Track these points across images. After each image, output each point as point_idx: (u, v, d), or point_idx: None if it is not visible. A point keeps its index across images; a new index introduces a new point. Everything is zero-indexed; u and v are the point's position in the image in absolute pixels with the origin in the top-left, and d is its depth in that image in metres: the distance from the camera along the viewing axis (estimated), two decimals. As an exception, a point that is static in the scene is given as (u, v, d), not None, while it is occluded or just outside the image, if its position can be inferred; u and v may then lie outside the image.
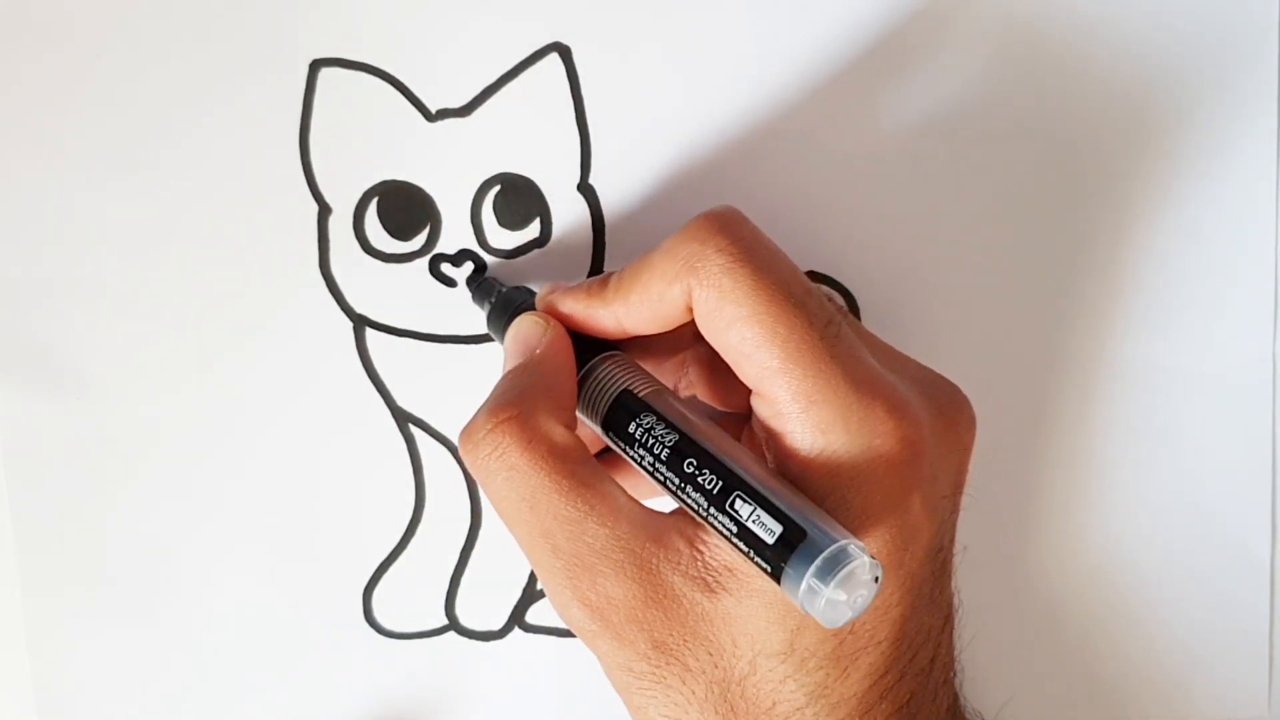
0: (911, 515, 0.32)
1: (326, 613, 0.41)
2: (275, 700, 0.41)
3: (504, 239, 0.39)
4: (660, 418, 0.33)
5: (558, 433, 0.33)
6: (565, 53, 0.39)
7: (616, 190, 0.39)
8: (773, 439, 0.32)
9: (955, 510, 0.34)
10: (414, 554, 0.40)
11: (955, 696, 0.35)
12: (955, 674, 0.35)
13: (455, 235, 0.39)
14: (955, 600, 0.35)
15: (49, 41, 0.38)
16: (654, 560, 0.32)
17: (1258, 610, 0.41)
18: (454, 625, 0.41)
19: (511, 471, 0.32)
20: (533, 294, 0.37)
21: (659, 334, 0.34)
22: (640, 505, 0.33)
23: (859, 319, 0.40)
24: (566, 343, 0.35)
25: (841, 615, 0.29)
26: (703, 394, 0.37)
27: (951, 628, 0.35)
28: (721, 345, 0.32)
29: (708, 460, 0.31)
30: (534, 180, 0.39)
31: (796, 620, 0.31)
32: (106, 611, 0.40)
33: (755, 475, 0.31)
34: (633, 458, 0.33)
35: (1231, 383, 0.41)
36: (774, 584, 0.30)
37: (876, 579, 0.29)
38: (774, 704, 0.32)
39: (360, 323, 0.40)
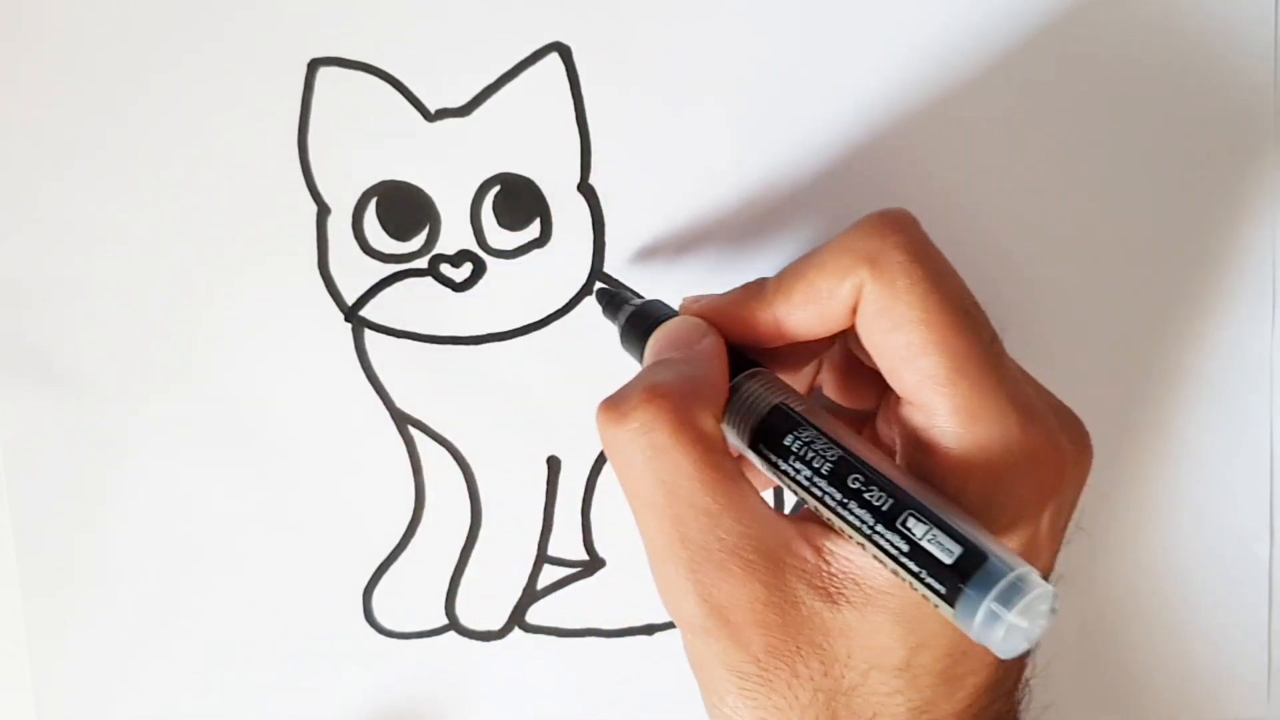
0: (1040, 536, 0.31)
1: (326, 613, 0.41)
2: (275, 700, 0.41)
3: (504, 239, 0.39)
4: (820, 433, 0.32)
5: (709, 423, 0.31)
6: (565, 53, 0.39)
7: (616, 190, 0.39)
8: (918, 440, 0.31)
9: (1061, 542, 0.34)
10: (414, 554, 0.40)
11: (1015, 711, 0.35)
12: (1025, 692, 0.35)
13: (455, 235, 0.39)
14: None
15: (49, 41, 0.38)
16: (782, 564, 0.31)
17: (1257, 610, 0.42)
18: (454, 625, 0.41)
19: (655, 451, 0.31)
20: (667, 307, 0.36)
21: (795, 345, 0.34)
22: (770, 509, 0.32)
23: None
24: (724, 348, 0.33)
25: (1018, 644, 0.28)
26: (830, 393, 0.36)
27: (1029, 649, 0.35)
28: (884, 346, 0.31)
29: (876, 477, 0.30)
30: (534, 180, 0.39)
31: (918, 638, 0.31)
32: (106, 611, 0.40)
33: (924, 496, 0.30)
34: (784, 471, 0.32)
35: (1229, 382, 0.41)
36: (906, 602, 0.30)
37: (1053, 610, 0.29)
38: (874, 715, 0.31)
39: (359, 324, 0.39)
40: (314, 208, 0.39)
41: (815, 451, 0.31)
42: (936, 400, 0.31)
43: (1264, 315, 0.41)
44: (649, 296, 0.38)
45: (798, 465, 0.31)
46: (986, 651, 0.31)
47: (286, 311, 0.39)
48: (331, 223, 0.39)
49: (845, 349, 0.34)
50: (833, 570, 0.31)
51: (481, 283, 0.39)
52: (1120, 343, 0.41)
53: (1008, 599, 0.28)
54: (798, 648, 0.31)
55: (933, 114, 0.39)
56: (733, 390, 0.33)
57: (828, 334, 0.33)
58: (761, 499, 0.32)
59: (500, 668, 0.41)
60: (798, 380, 0.36)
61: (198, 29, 0.38)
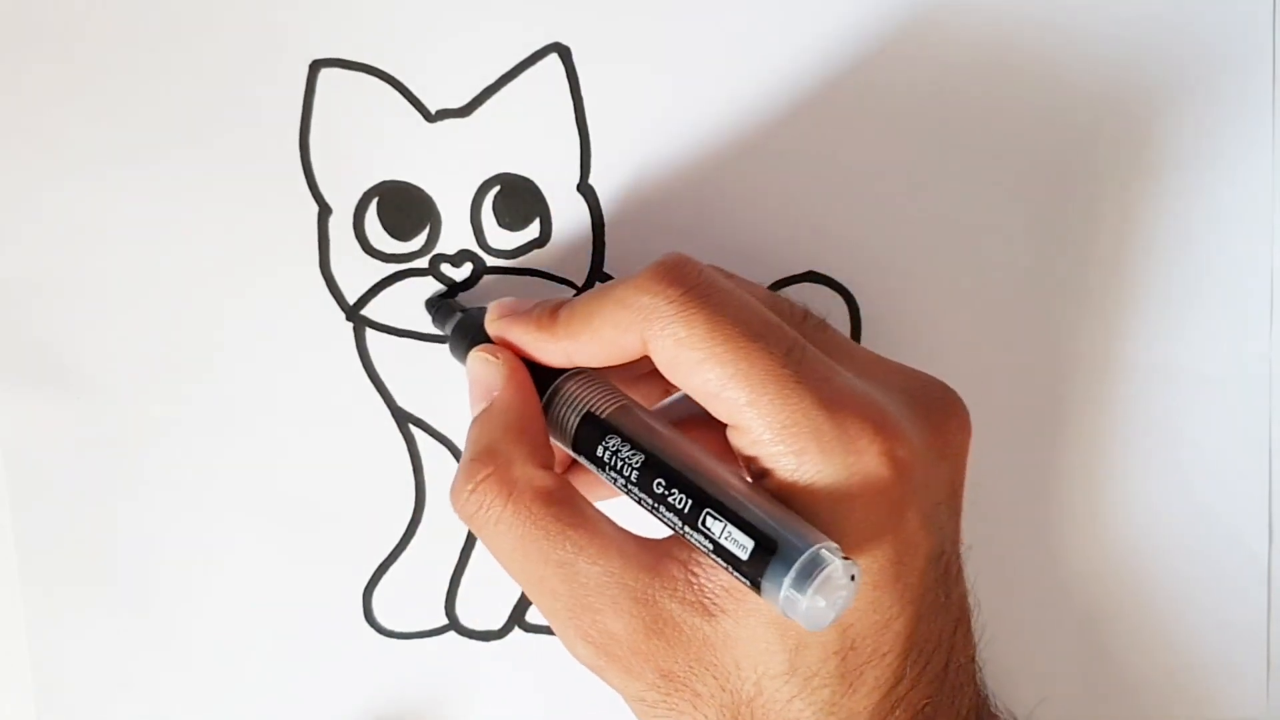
0: (906, 529, 0.31)
1: (326, 613, 0.41)
2: (275, 700, 0.41)
3: (504, 239, 0.39)
4: (625, 438, 0.33)
5: (537, 478, 0.33)
6: (565, 53, 0.39)
7: (616, 190, 0.39)
8: (754, 467, 0.32)
9: (956, 514, 0.34)
10: (414, 554, 0.40)
11: (979, 695, 0.35)
12: (977, 673, 0.35)
13: (455, 236, 0.39)
14: (971, 600, 0.35)
15: (49, 42, 0.38)
16: (649, 590, 0.32)
17: (1256, 609, 0.42)
18: (454, 625, 0.41)
19: (498, 525, 0.33)
20: (476, 323, 0.36)
21: None
22: (631, 535, 0.33)
23: (859, 319, 0.40)
24: (524, 377, 0.35)
25: (824, 619, 0.29)
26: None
27: (967, 629, 0.34)
28: (688, 389, 0.32)
29: (676, 479, 0.31)
30: (534, 180, 0.39)
31: (795, 639, 0.31)
32: (107, 611, 0.40)
33: (727, 489, 0.31)
34: (607, 479, 0.33)
35: (1228, 382, 0.41)
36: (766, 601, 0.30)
37: (853, 577, 0.29)
38: None
39: (360, 323, 0.40)
40: (315, 208, 0.39)
41: (623, 459, 0.32)
42: (748, 421, 0.31)
43: (1263, 315, 0.41)
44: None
45: (612, 474, 0.33)
46: (877, 643, 0.32)
47: (288, 311, 0.39)
48: (333, 223, 0.39)
49: None
50: (702, 583, 0.32)
51: (482, 283, 0.39)
52: (1120, 342, 0.41)
53: (802, 581, 0.29)
54: (689, 667, 0.32)
55: (933, 113, 0.39)
56: (549, 399, 0.34)
57: (622, 364, 0.34)
58: (616, 528, 0.33)
59: (500, 668, 0.41)
60: (649, 376, 0.36)
61: (199, 30, 0.38)
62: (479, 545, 0.41)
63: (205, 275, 0.39)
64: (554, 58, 0.39)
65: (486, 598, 0.41)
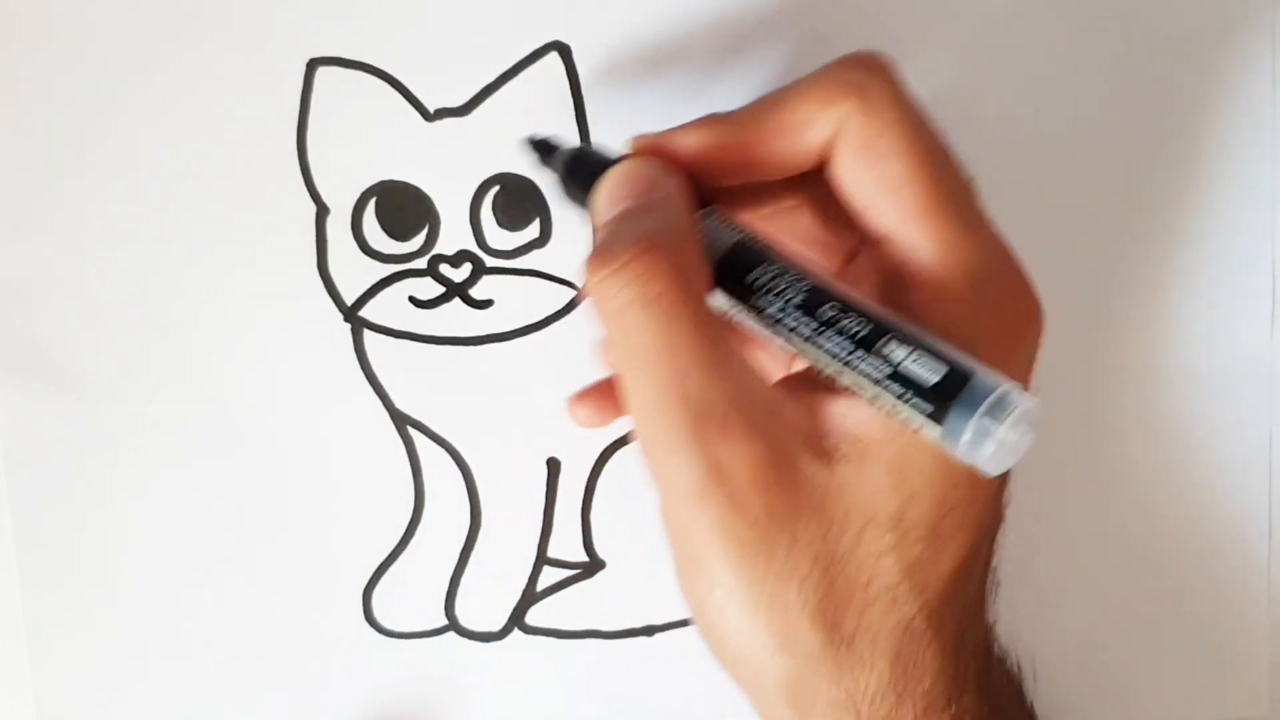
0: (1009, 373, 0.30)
1: (326, 613, 0.41)
2: (275, 700, 0.41)
3: (503, 239, 0.39)
4: (788, 265, 0.30)
5: (705, 270, 0.30)
6: (565, 52, 0.38)
7: (616, 190, 0.39)
8: (894, 278, 0.31)
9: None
10: (414, 554, 0.40)
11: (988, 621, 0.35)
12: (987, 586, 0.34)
13: (454, 235, 0.39)
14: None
15: (48, 41, 0.38)
16: (776, 423, 0.30)
17: (1257, 609, 0.42)
18: (454, 625, 0.41)
19: (653, 304, 0.29)
20: (607, 150, 0.34)
21: (754, 187, 0.33)
22: (756, 371, 0.31)
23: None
24: (690, 190, 0.31)
25: (1006, 459, 0.28)
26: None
27: (999, 535, 0.34)
28: (865, 180, 0.31)
29: (854, 304, 0.29)
30: (533, 180, 0.39)
31: (911, 488, 0.30)
32: (106, 612, 0.40)
33: (899, 321, 0.29)
34: (753, 308, 0.30)
35: (1229, 381, 0.41)
36: (901, 451, 0.30)
37: (1033, 425, 0.28)
38: (870, 580, 0.30)
39: (358, 324, 0.39)
40: (313, 208, 0.39)
41: (787, 281, 0.30)
42: (918, 234, 0.30)
43: (1264, 315, 0.41)
44: None
45: (770, 299, 0.30)
46: (969, 508, 0.31)
47: (286, 311, 0.39)
48: (331, 223, 0.39)
49: (809, 201, 0.33)
50: (827, 427, 0.30)
51: (481, 283, 0.39)
52: (1120, 342, 0.41)
53: (996, 414, 0.28)
54: (797, 510, 0.30)
55: (938, 118, 0.39)
56: None
57: (791, 172, 0.32)
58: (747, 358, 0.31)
59: (500, 669, 0.41)
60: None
61: (197, 29, 0.38)
62: (479, 545, 0.41)
63: (203, 275, 0.39)
64: (554, 57, 0.39)
65: (486, 598, 0.41)
